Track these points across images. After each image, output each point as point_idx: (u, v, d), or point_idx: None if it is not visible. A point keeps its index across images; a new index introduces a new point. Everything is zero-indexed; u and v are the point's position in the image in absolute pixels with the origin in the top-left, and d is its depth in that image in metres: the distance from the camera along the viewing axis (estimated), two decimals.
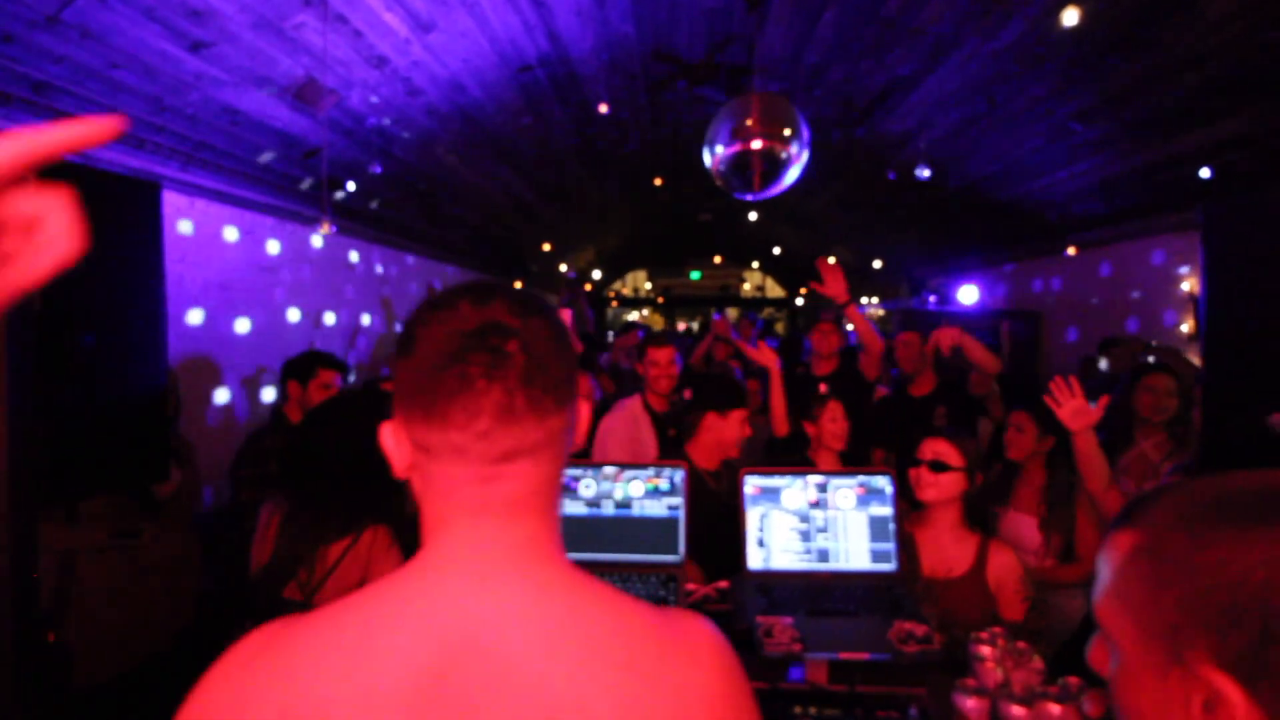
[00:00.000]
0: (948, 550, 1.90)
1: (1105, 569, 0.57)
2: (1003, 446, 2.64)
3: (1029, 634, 1.69)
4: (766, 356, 2.93)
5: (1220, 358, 1.98)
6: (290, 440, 1.81)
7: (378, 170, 4.94)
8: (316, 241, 5.35)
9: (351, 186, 5.26)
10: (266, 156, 4.32)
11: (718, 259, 17.98)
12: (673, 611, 0.68)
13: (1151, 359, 3.69)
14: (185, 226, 4.03)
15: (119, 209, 1.62)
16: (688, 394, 3.97)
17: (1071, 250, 6.61)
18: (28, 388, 0.92)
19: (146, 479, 1.75)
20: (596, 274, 16.58)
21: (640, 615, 0.64)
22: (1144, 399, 2.89)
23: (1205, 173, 4.48)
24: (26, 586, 0.94)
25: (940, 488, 1.90)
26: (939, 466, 1.90)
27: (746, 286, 19.67)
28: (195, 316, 4.06)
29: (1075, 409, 1.96)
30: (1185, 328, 5.37)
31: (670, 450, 2.61)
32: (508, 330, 0.61)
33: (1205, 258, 2.01)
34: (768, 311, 18.43)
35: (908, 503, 2.02)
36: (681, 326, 17.78)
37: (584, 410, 0.70)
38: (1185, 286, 5.40)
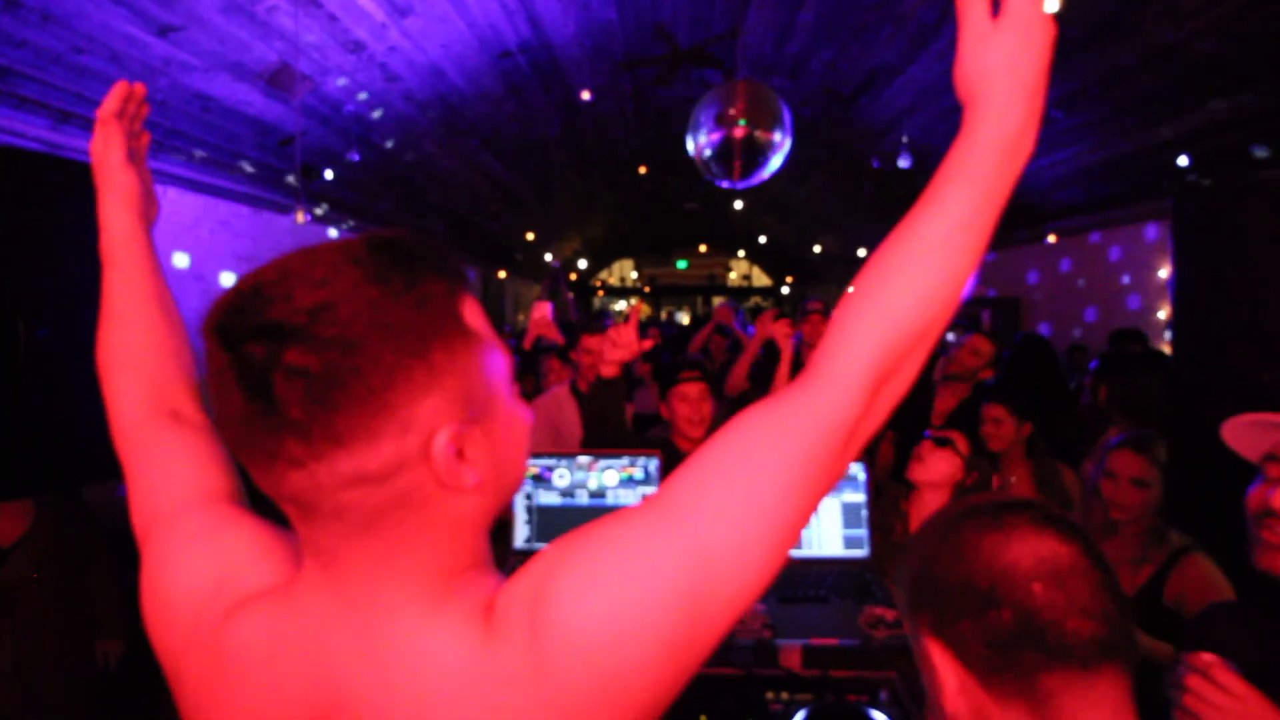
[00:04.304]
0: None
1: None
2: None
3: None
4: (778, 330, 2.67)
5: (1189, 344, 2.00)
6: None
7: (355, 158, 4.87)
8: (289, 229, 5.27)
9: (330, 175, 5.19)
10: (246, 164, 4.24)
11: (703, 248, 17.95)
12: None
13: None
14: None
15: (51, 194, 1.52)
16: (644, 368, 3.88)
17: (1052, 238, 6.66)
18: None
19: (88, 478, 1.61)
20: (582, 263, 16.51)
21: None
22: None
23: (1183, 160, 4.52)
24: None
25: (934, 469, 1.87)
26: (942, 441, 1.88)
27: (733, 275, 19.67)
28: None
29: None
30: (1162, 314, 5.44)
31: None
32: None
33: (1175, 245, 2.02)
34: (754, 300, 18.44)
35: (904, 484, 1.99)
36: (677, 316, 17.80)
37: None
38: (1163, 274, 5.46)
